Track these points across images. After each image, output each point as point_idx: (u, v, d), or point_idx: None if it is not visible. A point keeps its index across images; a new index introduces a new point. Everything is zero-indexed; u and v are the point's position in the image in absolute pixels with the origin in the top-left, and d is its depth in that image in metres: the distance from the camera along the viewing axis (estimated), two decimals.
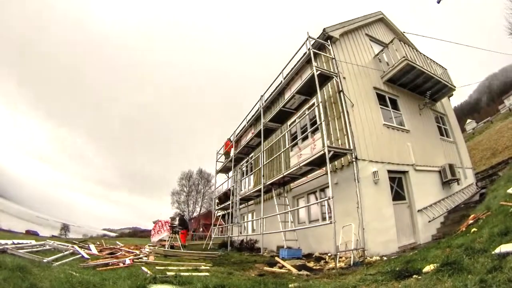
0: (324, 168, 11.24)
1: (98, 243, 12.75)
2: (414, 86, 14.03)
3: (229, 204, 19.00)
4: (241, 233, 18.76)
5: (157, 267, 7.23)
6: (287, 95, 14.57)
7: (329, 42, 12.56)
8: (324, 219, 11.63)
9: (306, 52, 12.75)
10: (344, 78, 11.83)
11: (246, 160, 20.71)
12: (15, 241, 9.15)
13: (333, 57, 12.14)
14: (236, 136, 21.06)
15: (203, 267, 7.95)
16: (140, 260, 8.90)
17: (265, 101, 16.59)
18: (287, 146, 14.21)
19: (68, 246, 10.42)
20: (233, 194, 18.00)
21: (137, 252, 11.06)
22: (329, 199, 9.27)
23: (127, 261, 7.90)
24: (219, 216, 23.95)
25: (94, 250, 10.47)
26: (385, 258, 8.59)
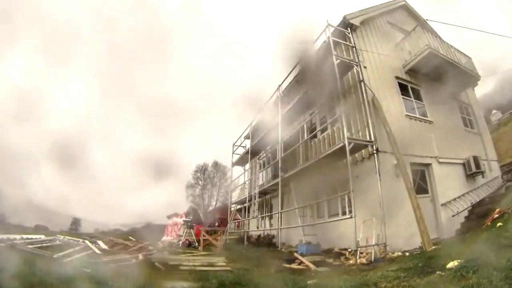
0: (344, 161, 11.17)
1: (111, 238, 12.84)
2: (437, 75, 13.72)
3: (245, 197, 18.98)
4: (258, 227, 18.73)
5: (171, 263, 7.24)
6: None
7: (349, 30, 12.37)
8: (344, 213, 11.38)
9: (325, 41, 12.61)
10: (365, 67, 11.67)
11: (263, 152, 20.62)
12: (24, 236, 9.22)
13: (354, 45, 11.98)
14: (253, 127, 20.95)
15: (218, 263, 7.96)
16: (153, 255, 8.93)
17: (282, 91, 16.48)
18: (305, 138, 14.09)
19: (79, 241, 10.49)
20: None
21: (151, 247, 11.09)
22: (349, 192, 9.21)
23: (140, 257, 7.93)
24: (236, 210, 23.95)
25: (104, 245, 10.52)
26: (407, 254, 8.53)
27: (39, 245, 8.24)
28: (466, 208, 11.48)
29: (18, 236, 8.68)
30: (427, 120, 12.68)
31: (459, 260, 4.70)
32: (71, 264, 6.26)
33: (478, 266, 4.10)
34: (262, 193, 18.36)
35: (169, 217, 17.18)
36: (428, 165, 11.64)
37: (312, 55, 11.93)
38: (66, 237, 10.94)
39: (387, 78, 12.35)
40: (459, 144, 13.41)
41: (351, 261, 8.73)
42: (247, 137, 22.70)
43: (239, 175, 23.76)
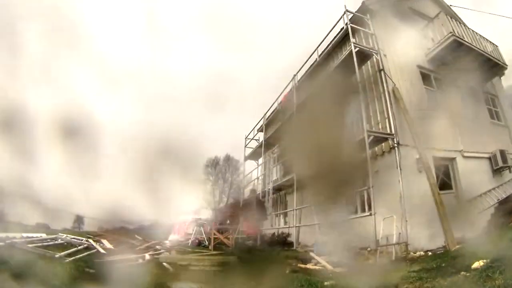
0: (363, 155, 10.96)
1: (116, 236, 12.81)
2: (462, 64, 13.37)
3: (258, 194, 18.79)
4: (272, 225, 18.53)
5: (179, 263, 7.09)
6: (323, 74, 14.15)
7: (368, 16, 12.02)
8: (363, 210, 11.13)
9: (343, 28, 12.36)
10: (385, 55, 11.36)
11: (277, 145, 20.36)
12: (25, 234, 9.15)
13: (373, 32, 11.68)
14: (267, 119, 20.71)
15: (230, 263, 7.81)
16: (161, 255, 8.83)
17: (298, 81, 16.26)
18: None
19: (82, 240, 10.43)
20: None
21: (158, 247, 11.03)
22: (369, 188, 9.00)
23: (147, 257, 7.83)
24: None
25: (109, 244, 10.45)
26: (430, 253, 8.35)
27: (40, 244, 8.20)
28: (492, 205, 11.13)
29: (18, 235, 8.60)
30: (451, 111, 12.21)
31: (484, 260, 4.61)
32: (74, 264, 6.12)
33: (505, 266, 4.00)
34: (276, 189, 18.17)
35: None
36: (452, 159, 11.37)
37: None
38: (69, 235, 10.85)
39: (409, 67, 12.03)
40: (485, 137, 13.01)
41: (370, 261, 8.56)
42: (260, 130, 22.31)
43: (252, 170, 23.46)
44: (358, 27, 12.01)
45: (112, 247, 10.17)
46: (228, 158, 63.56)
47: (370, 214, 8.73)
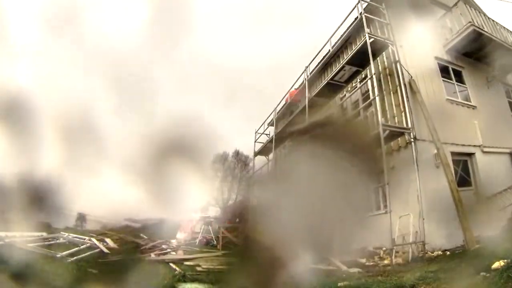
0: (378, 150, 10.78)
1: (120, 235, 12.81)
2: (482, 55, 13.05)
3: None
4: None
5: (186, 263, 6.98)
6: (336, 66, 13.98)
7: (383, 6, 11.82)
8: (378, 208, 10.96)
9: (357, 17, 12.13)
10: (401, 46, 11.12)
11: (289, 140, 20.17)
12: (25, 233, 9.10)
13: (389, 22, 11.48)
14: (278, 113, 20.50)
15: (238, 263, 7.69)
16: (167, 255, 8.78)
17: (310, 73, 16.08)
18: None
19: (85, 239, 10.39)
20: None
21: (164, 246, 10.97)
22: (384, 185, 8.80)
23: (153, 256, 7.77)
24: None
25: (112, 244, 10.41)
26: (448, 253, 8.21)
27: (41, 243, 8.18)
28: None
29: (18, 234, 8.54)
30: (470, 105, 12.12)
31: (505, 260, 4.47)
32: (76, 264, 6.02)
33: None
34: None
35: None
36: (471, 154, 11.12)
37: None
38: (71, 234, 10.84)
39: (426, 58, 11.75)
40: (506, 131, 12.68)
41: (386, 261, 8.45)
42: (271, 124, 22.06)
43: (262, 166, 23.17)
44: (373, 17, 11.82)
45: (116, 247, 10.15)
46: (237, 154, 62.96)
47: (386, 212, 8.57)
